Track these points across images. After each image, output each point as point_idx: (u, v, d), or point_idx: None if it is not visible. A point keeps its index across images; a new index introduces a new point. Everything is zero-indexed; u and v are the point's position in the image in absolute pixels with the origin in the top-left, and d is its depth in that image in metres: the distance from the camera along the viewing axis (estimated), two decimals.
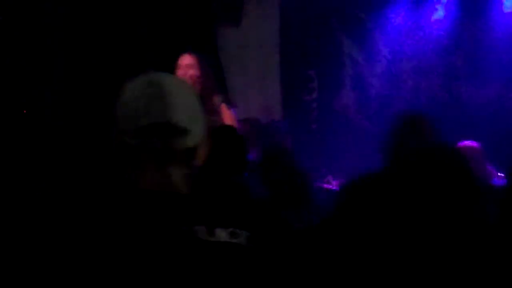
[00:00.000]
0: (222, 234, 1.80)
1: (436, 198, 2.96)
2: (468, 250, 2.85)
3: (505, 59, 8.27)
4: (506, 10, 8.26)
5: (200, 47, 6.76)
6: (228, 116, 5.58)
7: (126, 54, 7.23)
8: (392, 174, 3.93)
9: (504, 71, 8.27)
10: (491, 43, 8.37)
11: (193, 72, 5.62)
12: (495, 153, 6.98)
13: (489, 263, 2.81)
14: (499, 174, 6.51)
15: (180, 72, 5.61)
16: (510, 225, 3.03)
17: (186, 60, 5.67)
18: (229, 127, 4.83)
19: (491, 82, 8.35)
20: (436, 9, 8.60)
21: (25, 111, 6.75)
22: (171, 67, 5.65)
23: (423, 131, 4.26)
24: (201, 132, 1.97)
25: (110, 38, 7.37)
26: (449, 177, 2.94)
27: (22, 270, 1.87)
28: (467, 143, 6.72)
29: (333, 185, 6.99)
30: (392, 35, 8.78)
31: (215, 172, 3.86)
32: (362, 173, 4.05)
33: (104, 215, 1.87)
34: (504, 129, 7.87)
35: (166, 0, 7.71)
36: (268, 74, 8.80)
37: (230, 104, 5.73)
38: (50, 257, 1.83)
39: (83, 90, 7.11)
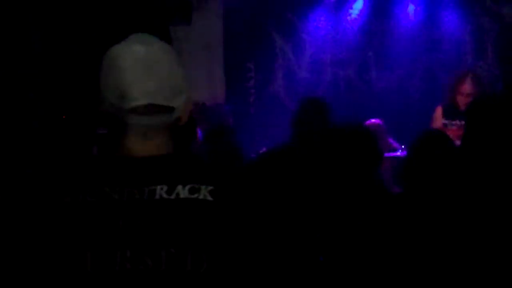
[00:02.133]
0: (181, 191, 1.61)
1: (337, 164, 2.99)
2: (366, 210, 2.87)
3: (407, 52, 8.38)
4: (410, 12, 8.36)
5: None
6: None
7: (84, 52, 7.13)
8: (295, 145, 4.00)
9: (406, 63, 8.39)
10: (396, 39, 8.46)
11: None
12: (400, 129, 7.07)
13: (384, 221, 2.84)
14: (402, 146, 6.60)
15: None
16: (411, 187, 3.05)
17: None
18: None
19: (395, 71, 8.45)
20: (352, 11, 8.64)
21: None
22: None
23: (320, 112, 4.33)
24: (183, 103, 1.72)
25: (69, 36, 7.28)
26: (350, 145, 2.97)
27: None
28: (373, 120, 6.81)
29: None
30: (316, 32, 8.74)
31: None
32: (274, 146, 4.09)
33: (66, 180, 1.67)
34: (406, 109, 8.00)
35: (125, 3, 7.63)
36: (214, 65, 8.74)
37: None
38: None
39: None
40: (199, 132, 5.48)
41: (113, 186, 1.63)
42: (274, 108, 8.52)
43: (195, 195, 1.62)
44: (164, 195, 1.62)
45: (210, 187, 1.64)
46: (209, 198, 1.62)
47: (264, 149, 6.66)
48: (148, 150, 1.70)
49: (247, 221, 1.66)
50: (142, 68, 1.67)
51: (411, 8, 8.39)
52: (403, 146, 6.56)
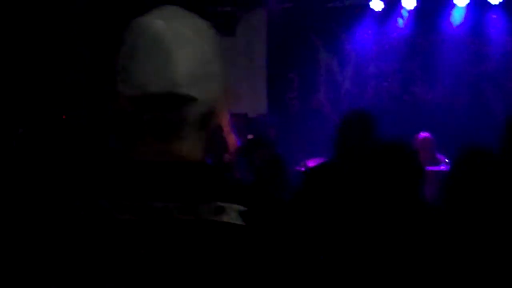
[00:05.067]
0: (204, 211, 1.33)
1: (380, 181, 2.97)
2: (410, 225, 2.85)
3: (452, 65, 8.32)
4: (454, 23, 8.30)
5: None
6: None
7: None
8: (339, 162, 3.96)
9: (451, 76, 8.33)
10: (441, 51, 8.42)
11: None
12: (444, 142, 7.02)
13: (430, 237, 2.81)
14: (446, 160, 6.54)
15: None
16: (451, 201, 3.03)
17: None
18: None
19: (441, 84, 8.39)
20: (398, 23, 8.62)
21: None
22: None
23: (365, 126, 4.25)
24: (215, 91, 1.38)
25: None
26: (394, 162, 2.95)
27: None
28: (423, 134, 6.77)
29: None
30: (360, 44, 8.79)
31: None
32: (321, 161, 4.05)
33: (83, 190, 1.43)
34: (451, 122, 7.93)
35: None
36: (256, 75, 8.82)
37: None
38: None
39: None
40: (238, 144, 5.50)
41: (129, 198, 1.38)
42: (318, 119, 8.55)
43: (222, 217, 1.34)
44: (177, 215, 1.35)
45: (239, 208, 1.36)
46: (235, 221, 1.34)
47: (306, 161, 6.67)
48: (165, 154, 1.41)
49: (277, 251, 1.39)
50: (157, 49, 1.36)
51: (457, 19, 8.32)
52: (446, 160, 6.50)
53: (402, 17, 8.56)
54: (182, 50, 1.35)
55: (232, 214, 1.33)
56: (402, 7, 8.47)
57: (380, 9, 8.57)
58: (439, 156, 6.91)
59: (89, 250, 1.34)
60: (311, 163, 6.33)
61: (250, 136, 6.01)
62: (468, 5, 8.20)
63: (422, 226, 2.87)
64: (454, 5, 8.25)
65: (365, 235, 2.96)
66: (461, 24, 8.32)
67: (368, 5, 8.55)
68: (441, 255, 2.76)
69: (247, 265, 1.32)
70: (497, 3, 8.02)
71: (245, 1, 8.57)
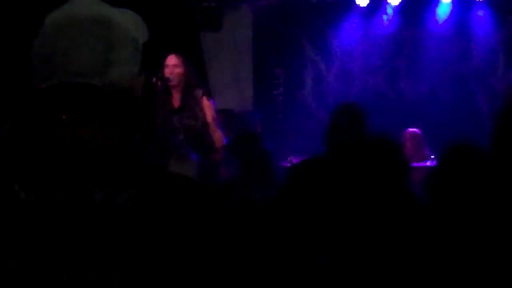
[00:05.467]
0: (98, 195, 1.33)
1: (367, 174, 2.99)
2: (395, 217, 2.88)
3: (437, 61, 8.37)
4: (439, 20, 8.34)
5: (186, 49, 6.75)
6: (208, 107, 5.57)
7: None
8: (329, 156, 3.98)
9: (436, 71, 8.38)
10: (427, 47, 8.46)
11: (178, 70, 5.57)
12: (430, 138, 7.06)
13: (414, 229, 2.83)
14: (432, 156, 6.58)
15: (167, 71, 5.55)
16: (437, 197, 3.05)
17: (173, 60, 5.59)
18: None
19: (426, 80, 8.43)
20: (383, 20, 8.64)
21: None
22: (160, 66, 5.59)
23: (356, 119, 4.25)
24: (120, 81, 1.41)
25: None
26: (379, 157, 2.97)
27: None
28: (412, 130, 6.81)
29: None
30: (346, 40, 8.79)
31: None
32: (309, 155, 4.07)
33: None
34: (437, 118, 7.97)
35: (157, 9, 7.67)
36: (242, 72, 8.81)
37: (210, 96, 5.71)
38: None
39: None
40: (224, 140, 5.49)
41: (23, 183, 1.39)
42: (303, 115, 8.57)
43: (113, 200, 1.35)
44: (72, 199, 1.37)
45: (131, 192, 1.36)
46: (126, 204, 1.35)
47: (291, 157, 6.69)
48: (82, 138, 1.42)
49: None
50: (56, 39, 1.41)
51: (442, 15, 8.36)
52: (432, 156, 6.54)
53: (387, 13, 8.58)
54: (81, 40, 1.39)
55: (120, 197, 1.34)
56: (387, 3, 8.48)
57: (365, 5, 8.56)
58: (428, 152, 6.95)
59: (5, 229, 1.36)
60: (296, 159, 6.37)
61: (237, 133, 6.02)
62: (453, 1, 8.26)
63: (409, 219, 2.89)
64: (439, 1, 8.30)
65: (353, 227, 2.98)
66: (446, 20, 8.37)
67: (354, 1, 8.55)
68: (428, 249, 2.78)
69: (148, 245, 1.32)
70: None
71: None
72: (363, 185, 2.99)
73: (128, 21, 1.48)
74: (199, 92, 5.59)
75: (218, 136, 5.62)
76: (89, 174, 1.38)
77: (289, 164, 6.36)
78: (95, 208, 1.34)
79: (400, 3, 8.39)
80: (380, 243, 2.87)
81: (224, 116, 6.59)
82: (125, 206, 1.33)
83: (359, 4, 8.55)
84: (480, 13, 8.22)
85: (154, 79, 5.45)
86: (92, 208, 1.34)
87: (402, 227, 2.90)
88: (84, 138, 1.41)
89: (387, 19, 8.60)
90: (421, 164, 6.60)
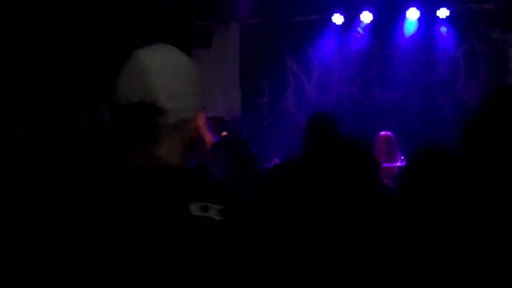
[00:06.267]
0: (194, 208, 1.44)
1: (338, 174, 2.97)
2: (364, 213, 2.85)
3: (406, 72, 8.37)
4: (407, 35, 8.35)
5: None
6: None
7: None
8: (303, 157, 3.97)
9: (404, 81, 8.38)
10: (396, 59, 8.46)
11: None
12: (399, 140, 7.03)
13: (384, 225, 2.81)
14: (402, 157, 6.56)
15: None
16: (407, 193, 3.02)
17: None
18: None
19: (395, 89, 8.43)
20: (356, 35, 8.64)
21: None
22: None
23: (328, 125, 4.30)
24: (188, 109, 1.54)
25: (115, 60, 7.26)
26: (349, 156, 2.95)
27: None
28: (385, 132, 6.77)
29: None
30: (323, 54, 8.79)
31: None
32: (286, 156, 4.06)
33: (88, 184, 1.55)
34: (405, 123, 7.95)
35: (152, 27, 7.66)
36: (230, 82, 8.86)
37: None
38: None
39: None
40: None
41: (118, 195, 1.49)
42: (286, 121, 8.58)
43: (206, 214, 1.47)
44: (173, 211, 1.47)
45: (220, 207, 1.49)
46: (218, 217, 1.48)
47: (276, 159, 6.65)
48: (152, 154, 1.54)
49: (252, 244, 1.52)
50: (134, 76, 1.53)
51: (409, 31, 8.38)
52: (402, 157, 6.52)
53: (359, 30, 8.58)
54: (162, 73, 1.52)
55: (213, 212, 1.46)
56: (360, 21, 8.48)
57: (340, 23, 8.59)
58: (399, 153, 6.92)
59: (99, 232, 1.47)
60: (280, 161, 6.34)
61: (224, 133, 6.01)
62: (419, 18, 8.26)
63: (381, 212, 2.86)
64: (406, 19, 8.29)
65: (326, 221, 2.95)
66: (413, 36, 8.38)
67: (330, 19, 8.57)
68: (398, 241, 2.74)
69: (225, 253, 1.45)
70: (444, 17, 8.07)
71: (220, 16, 8.55)
72: (334, 181, 2.96)
73: (197, 66, 1.64)
74: None
75: (209, 138, 5.65)
76: (181, 190, 1.50)
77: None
78: (191, 219, 1.46)
79: (372, 21, 8.40)
80: (350, 233, 2.83)
81: (216, 122, 6.60)
82: (215, 219, 1.46)
83: (335, 22, 8.58)
84: (443, 29, 8.23)
85: None
86: (188, 219, 1.46)
87: (372, 217, 2.86)
88: (159, 156, 1.55)
89: (360, 35, 8.60)
90: (393, 164, 6.57)
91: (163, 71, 1.53)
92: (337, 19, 8.55)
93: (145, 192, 1.49)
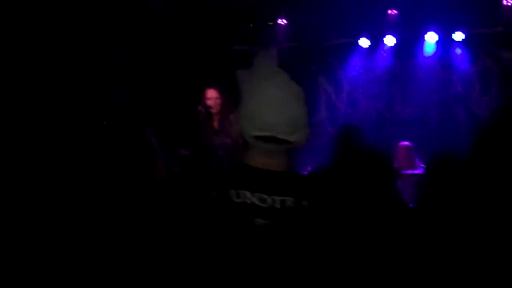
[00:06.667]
0: (289, 202, 1.65)
1: (362, 180, 2.99)
2: (381, 217, 2.85)
3: (425, 89, 8.32)
4: (426, 55, 8.31)
5: (224, 83, 6.84)
6: None
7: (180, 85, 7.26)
8: (332, 167, 3.99)
9: (424, 97, 8.33)
10: (416, 78, 8.42)
11: (217, 100, 5.71)
12: (418, 151, 7.01)
13: (401, 231, 2.81)
14: (421, 165, 6.54)
15: (209, 101, 5.69)
16: (425, 198, 3.03)
17: (213, 94, 5.73)
18: None
19: (416, 104, 8.39)
20: (381, 56, 8.63)
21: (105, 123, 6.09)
22: (200, 96, 5.76)
23: (353, 136, 4.33)
24: (303, 137, 1.78)
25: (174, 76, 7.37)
26: (370, 167, 2.96)
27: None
28: (404, 142, 6.77)
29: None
30: (351, 73, 8.80)
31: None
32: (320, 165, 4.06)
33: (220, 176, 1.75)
34: (424, 134, 7.91)
35: (200, 52, 7.77)
36: None
37: None
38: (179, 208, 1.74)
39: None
40: None
41: (251, 190, 1.68)
42: (318, 133, 8.56)
43: (299, 206, 1.66)
44: (292, 205, 1.66)
45: (309, 201, 1.68)
46: (308, 209, 1.67)
47: (309, 167, 6.68)
48: (269, 165, 1.74)
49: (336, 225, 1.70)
50: (273, 108, 1.72)
51: (428, 53, 8.34)
52: (422, 165, 6.50)
53: (384, 52, 8.58)
54: (287, 109, 1.73)
55: (304, 204, 1.65)
56: (384, 44, 8.48)
57: (366, 46, 8.58)
58: (418, 161, 6.90)
59: (223, 221, 1.65)
60: (312, 169, 6.38)
61: None
62: (437, 41, 8.20)
63: (395, 220, 2.86)
64: (425, 41, 8.26)
65: (351, 225, 2.97)
66: (431, 56, 8.31)
67: (357, 43, 8.57)
68: (415, 247, 2.75)
69: (312, 235, 1.64)
70: (459, 39, 8.03)
71: (260, 41, 8.63)
72: (358, 188, 2.98)
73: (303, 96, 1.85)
74: (233, 115, 5.66)
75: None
76: (283, 188, 1.68)
77: (305, 172, 6.36)
78: (288, 210, 1.64)
79: (394, 44, 8.39)
80: (370, 237, 2.85)
81: None
82: (307, 210, 1.65)
83: (361, 45, 8.56)
84: (458, 51, 8.18)
85: (200, 108, 5.59)
86: (287, 210, 1.64)
87: (388, 222, 2.87)
88: (273, 164, 1.75)
89: (384, 56, 8.59)
90: (413, 171, 6.55)
91: (292, 107, 1.75)
92: (364, 42, 8.54)
93: (265, 189, 1.67)
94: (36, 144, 5.27)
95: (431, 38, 8.17)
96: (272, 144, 1.74)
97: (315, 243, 1.65)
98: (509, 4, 7.18)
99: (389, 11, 7.42)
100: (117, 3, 6.44)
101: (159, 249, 1.76)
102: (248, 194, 1.67)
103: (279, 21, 7.98)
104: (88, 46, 6.47)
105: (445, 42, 8.18)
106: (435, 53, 8.31)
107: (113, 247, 4.39)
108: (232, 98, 6.33)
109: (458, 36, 8.00)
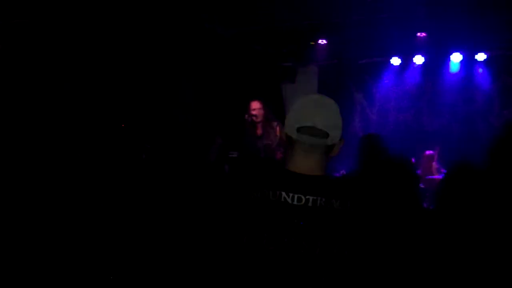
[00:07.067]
0: (335, 203, 1.63)
1: (386, 185, 2.99)
2: (402, 220, 2.83)
3: (450, 103, 8.27)
4: (452, 71, 8.25)
5: (269, 96, 6.93)
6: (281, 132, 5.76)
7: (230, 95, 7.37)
8: (361, 173, 4.00)
9: (449, 111, 8.27)
10: (441, 93, 8.36)
11: (261, 111, 5.90)
12: (443, 159, 6.96)
13: (422, 235, 2.78)
14: (442, 171, 6.50)
15: (254, 112, 5.90)
16: (444, 202, 3.00)
17: (257, 105, 5.93)
18: None
19: (441, 117, 8.33)
20: (411, 72, 8.60)
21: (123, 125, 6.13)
22: (247, 107, 5.93)
23: (376, 144, 4.30)
24: (337, 137, 1.77)
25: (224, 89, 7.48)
26: (394, 173, 2.96)
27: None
28: (428, 152, 6.75)
29: None
30: (383, 88, 8.80)
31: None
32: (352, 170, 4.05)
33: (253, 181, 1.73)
34: (448, 145, 7.84)
35: (250, 68, 7.85)
36: None
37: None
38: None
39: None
40: None
41: (287, 192, 1.67)
42: (352, 141, 8.51)
43: (343, 207, 1.65)
44: (322, 204, 1.65)
45: (352, 202, 1.67)
46: (351, 209, 1.65)
47: (343, 171, 6.70)
48: (308, 165, 1.73)
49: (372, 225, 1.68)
50: (313, 107, 1.75)
51: (453, 71, 8.28)
52: (443, 171, 6.45)
53: (414, 69, 8.54)
54: (325, 111, 1.75)
55: (348, 205, 1.63)
56: (413, 63, 8.44)
57: (398, 64, 8.58)
58: (440, 168, 6.86)
59: (260, 216, 1.63)
60: (344, 171, 6.40)
61: None
62: (461, 61, 8.18)
63: (414, 222, 2.85)
64: (450, 61, 8.21)
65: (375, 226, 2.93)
66: (456, 74, 8.28)
67: (389, 61, 8.58)
68: (433, 250, 2.72)
69: (360, 233, 1.60)
70: (482, 60, 7.96)
71: (302, 59, 8.67)
72: (383, 192, 2.98)
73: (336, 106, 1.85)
74: (274, 124, 5.89)
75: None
76: (328, 190, 1.67)
77: (338, 174, 6.39)
78: (335, 211, 1.63)
79: (423, 62, 8.36)
80: (392, 237, 2.82)
81: None
82: (350, 210, 1.63)
83: (393, 64, 8.57)
84: (480, 70, 8.11)
85: (246, 117, 5.78)
86: (333, 211, 1.63)
87: (409, 225, 2.86)
88: (312, 167, 1.72)
89: (414, 74, 8.56)
90: (435, 176, 6.52)
91: (329, 110, 1.77)
92: (395, 61, 8.55)
93: (301, 190, 1.66)
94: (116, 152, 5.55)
95: (456, 58, 8.14)
96: (312, 138, 1.72)
97: (362, 241, 1.63)
98: None
99: (419, 34, 7.41)
100: (180, 26, 6.58)
101: (200, 237, 1.78)
102: (284, 194, 1.67)
103: (320, 41, 8.02)
104: (162, 74, 6.73)
105: (468, 62, 8.15)
106: (459, 71, 8.27)
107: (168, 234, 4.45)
108: (276, 108, 6.45)
109: (481, 56, 7.96)
